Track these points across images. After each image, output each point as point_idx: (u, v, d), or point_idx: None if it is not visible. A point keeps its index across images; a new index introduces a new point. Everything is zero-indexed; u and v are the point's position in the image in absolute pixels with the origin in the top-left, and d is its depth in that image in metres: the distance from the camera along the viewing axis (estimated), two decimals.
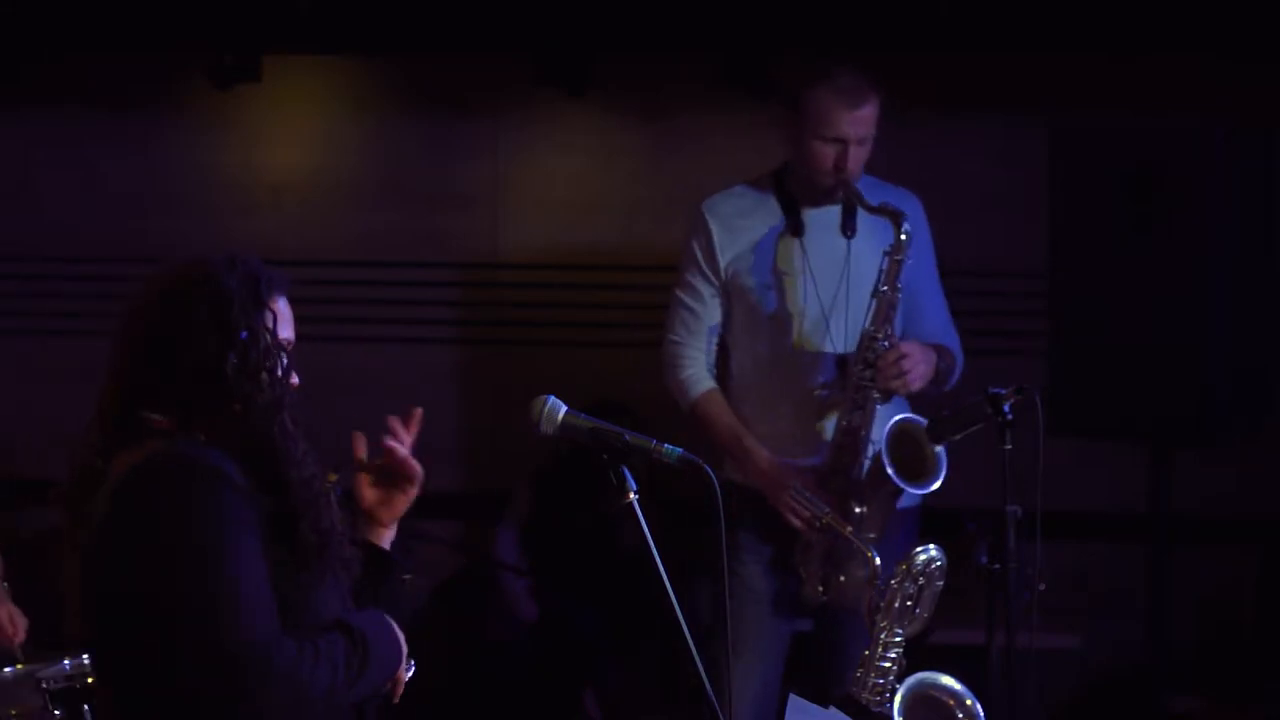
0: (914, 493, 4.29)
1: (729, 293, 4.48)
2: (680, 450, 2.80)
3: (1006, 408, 4.00)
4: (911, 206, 4.49)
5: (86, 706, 3.82)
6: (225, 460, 2.60)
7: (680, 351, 4.53)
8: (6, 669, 4.08)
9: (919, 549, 3.66)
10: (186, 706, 2.56)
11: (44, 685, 3.85)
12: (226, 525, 2.55)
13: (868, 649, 3.67)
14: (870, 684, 3.64)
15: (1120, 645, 5.77)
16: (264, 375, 2.67)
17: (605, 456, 2.77)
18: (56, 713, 3.82)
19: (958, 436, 4.18)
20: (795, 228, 4.43)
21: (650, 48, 6.07)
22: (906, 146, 5.99)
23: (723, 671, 2.90)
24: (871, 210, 4.31)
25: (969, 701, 3.58)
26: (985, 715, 3.58)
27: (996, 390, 4.03)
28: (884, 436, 4.24)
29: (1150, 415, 4.71)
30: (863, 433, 4.31)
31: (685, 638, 2.71)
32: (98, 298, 6.57)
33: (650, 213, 6.28)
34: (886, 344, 4.29)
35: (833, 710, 3.42)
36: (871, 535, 4.21)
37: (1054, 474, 3.98)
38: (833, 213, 4.42)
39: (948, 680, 3.61)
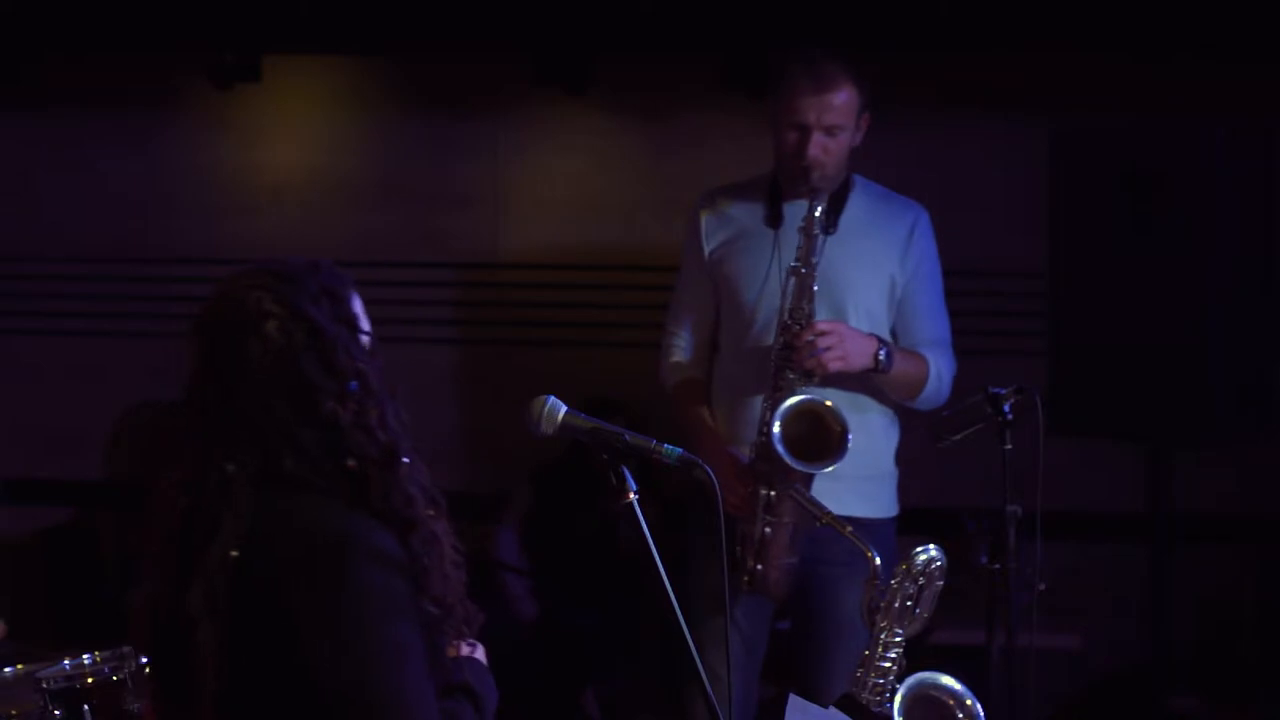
0: (809, 470, 4.11)
1: (714, 277, 4.45)
2: (680, 450, 2.80)
3: (1006, 408, 4.00)
4: (914, 214, 4.43)
5: (86, 706, 3.81)
6: (383, 532, 2.45)
7: (668, 340, 4.54)
8: (6, 669, 4.07)
9: (919, 549, 3.65)
10: None
11: (44, 685, 3.84)
12: (403, 619, 2.43)
13: (868, 649, 3.67)
14: (870, 684, 3.63)
15: (1120, 645, 5.78)
16: (375, 421, 2.51)
17: (605, 456, 2.77)
18: (56, 713, 3.81)
19: (958, 436, 4.16)
20: (773, 220, 4.37)
21: (650, 48, 6.08)
22: (907, 146, 6.01)
23: (722, 672, 2.90)
24: (811, 197, 4.18)
25: (969, 701, 3.57)
26: (985, 715, 3.58)
27: (996, 390, 4.02)
28: (777, 414, 4.11)
29: (1150, 415, 4.72)
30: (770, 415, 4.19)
31: (685, 638, 2.71)
32: (98, 298, 6.58)
33: (650, 213, 6.28)
34: (802, 324, 4.17)
35: (833, 710, 3.41)
36: (786, 520, 4.14)
37: (1054, 474, 3.98)
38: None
39: (948, 680, 3.60)
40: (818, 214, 4.21)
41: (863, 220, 4.37)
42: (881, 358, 4.24)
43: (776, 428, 4.11)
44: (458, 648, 2.65)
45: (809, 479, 4.16)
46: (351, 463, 2.49)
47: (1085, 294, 4.83)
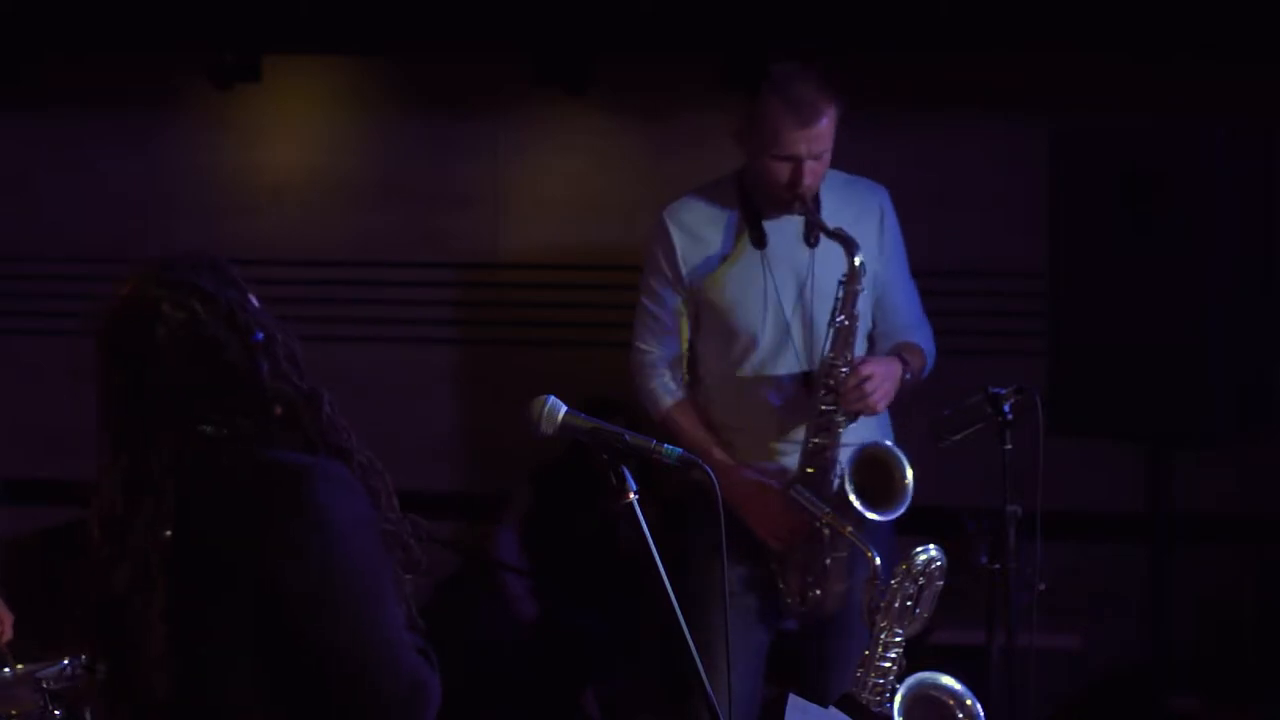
0: (881, 518, 4.17)
1: (695, 302, 4.40)
2: (680, 450, 2.80)
3: (1006, 408, 4.00)
4: (880, 197, 4.42)
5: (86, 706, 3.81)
6: (333, 461, 2.51)
7: (648, 360, 4.45)
8: (6, 669, 4.07)
9: (919, 549, 3.66)
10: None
11: (44, 685, 3.84)
12: (375, 544, 2.49)
13: (868, 649, 3.67)
14: (870, 684, 3.64)
15: (1120, 645, 5.78)
16: (290, 368, 2.57)
17: (605, 456, 2.77)
18: (56, 713, 3.81)
19: (958, 436, 4.17)
20: (758, 239, 4.32)
21: (650, 48, 6.07)
22: (906, 146, 6.01)
23: (723, 671, 2.90)
24: (828, 234, 4.19)
25: (969, 701, 3.58)
26: (985, 715, 3.58)
27: (996, 390, 4.02)
28: (848, 462, 4.17)
29: (1150, 415, 4.72)
30: (829, 453, 4.24)
31: (685, 638, 2.71)
32: (98, 298, 6.58)
33: (650, 213, 6.22)
34: (847, 370, 4.19)
35: (833, 710, 3.42)
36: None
37: (1054, 474, 3.98)
38: (795, 222, 4.32)
39: (948, 680, 3.61)
40: (858, 264, 4.18)
41: (836, 213, 4.32)
42: (907, 377, 4.30)
43: (850, 477, 4.15)
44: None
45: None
46: (279, 409, 2.53)
47: (1085, 294, 4.83)
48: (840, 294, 4.20)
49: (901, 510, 4.16)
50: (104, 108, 6.56)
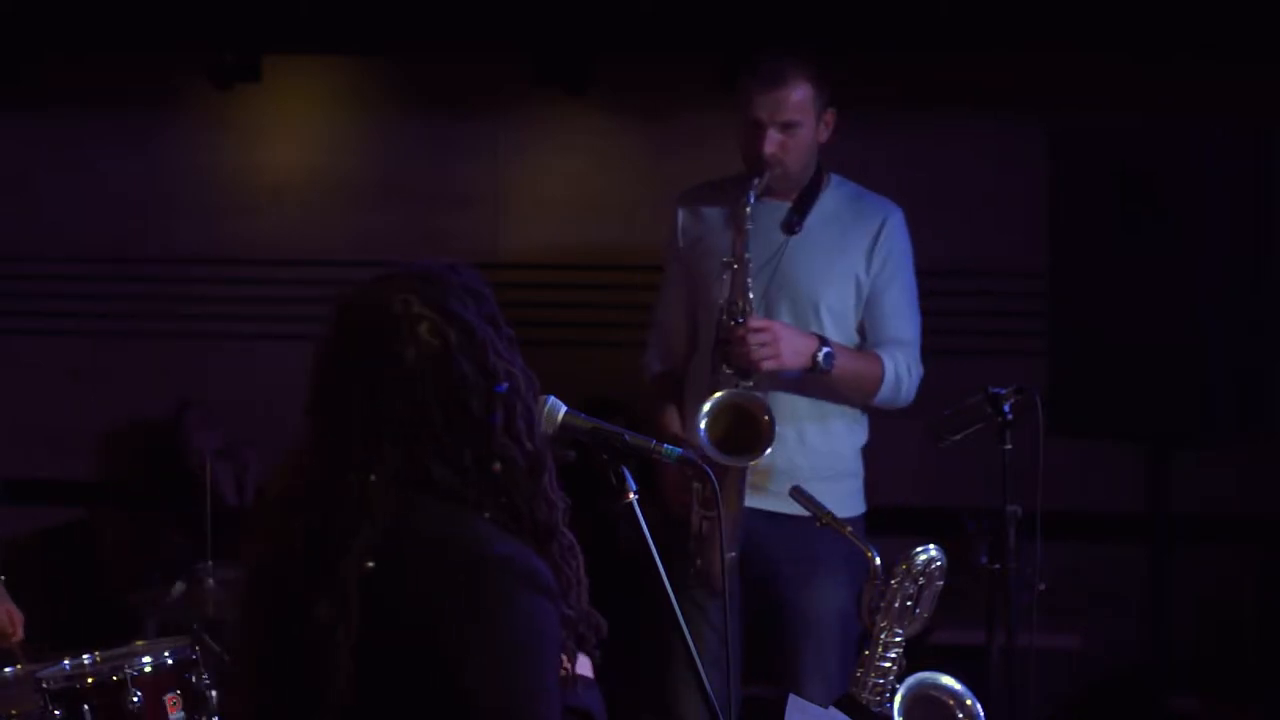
0: (734, 464, 4.08)
1: (689, 275, 4.43)
2: (680, 450, 2.80)
3: (1006, 408, 3.99)
4: (885, 213, 4.40)
5: (86, 706, 3.82)
6: (536, 557, 2.36)
7: (650, 337, 4.54)
8: (6, 669, 4.08)
9: (919, 549, 3.65)
10: None
11: (44, 685, 3.84)
12: (553, 647, 2.38)
13: (868, 649, 3.67)
14: (870, 684, 3.63)
15: (1120, 645, 5.78)
16: (523, 426, 2.41)
17: (605, 456, 2.77)
18: (56, 713, 3.81)
19: (958, 436, 4.16)
20: (742, 219, 4.30)
21: (650, 48, 6.08)
22: (905, 146, 6.02)
23: (722, 671, 2.90)
24: (741, 207, 4.16)
25: (969, 701, 3.57)
26: (985, 715, 3.58)
27: (996, 390, 4.02)
28: (705, 409, 4.10)
29: (1150, 415, 4.71)
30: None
31: (685, 637, 2.71)
32: (98, 298, 6.58)
33: (650, 213, 6.27)
34: (737, 320, 4.15)
35: (832, 710, 3.41)
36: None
37: (1054, 474, 3.98)
38: (781, 209, 4.33)
39: (948, 680, 3.60)
40: (748, 210, 4.17)
41: (830, 219, 4.34)
42: (820, 359, 4.20)
43: (703, 421, 4.08)
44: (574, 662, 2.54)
45: (739, 472, 4.13)
46: (497, 466, 2.38)
47: (1085, 294, 4.82)
48: (732, 235, 4.20)
49: (765, 451, 4.07)
50: (104, 108, 6.56)
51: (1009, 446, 3.99)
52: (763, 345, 4.12)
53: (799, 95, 4.24)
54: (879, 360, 4.33)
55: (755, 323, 4.14)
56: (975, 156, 6.06)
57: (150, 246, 6.57)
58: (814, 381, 4.28)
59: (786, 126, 4.24)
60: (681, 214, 4.46)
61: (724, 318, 4.18)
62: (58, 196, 6.60)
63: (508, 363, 2.44)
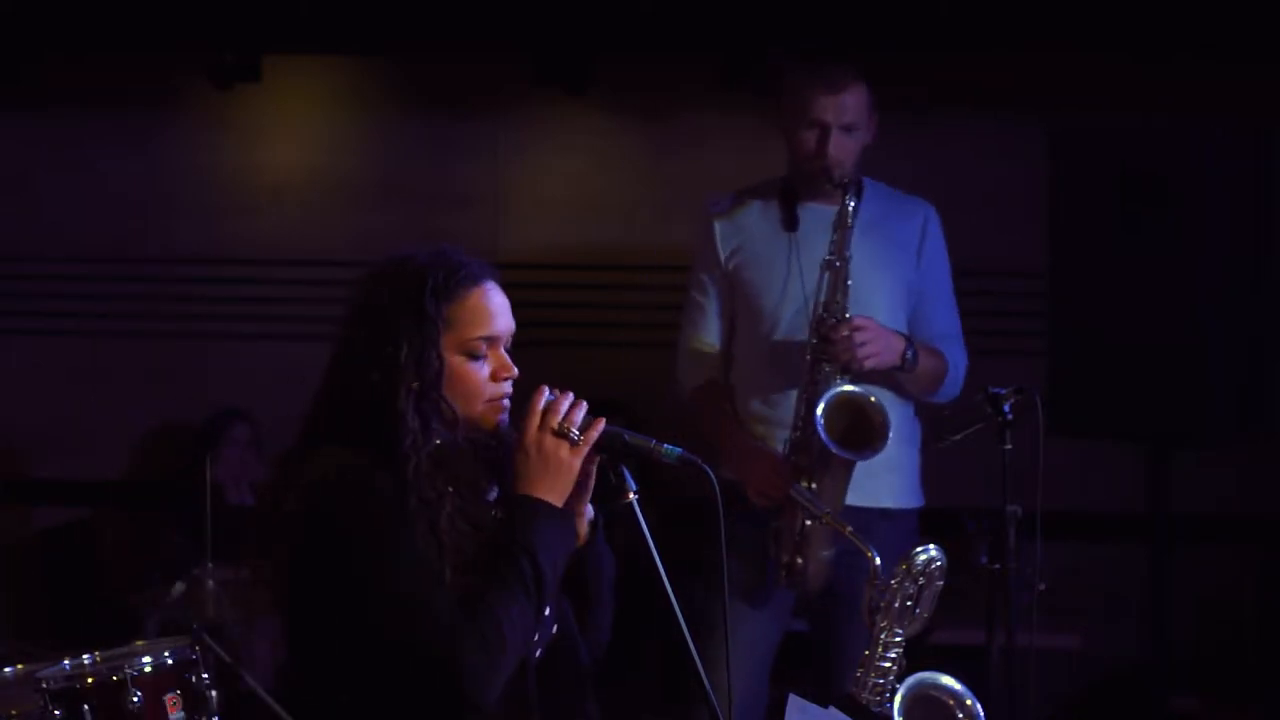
0: (855, 459, 4.16)
1: (731, 285, 4.46)
2: (680, 450, 2.79)
3: (1006, 408, 4.00)
4: (925, 211, 4.48)
5: (86, 706, 3.81)
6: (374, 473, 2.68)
7: (688, 345, 4.53)
8: (6, 669, 4.07)
9: (919, 549, 3.65)
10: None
11: (44, 685, 3.84)
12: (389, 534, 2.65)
13: (868, 649, 3.67)
14: (870, 684, 3.63)
15: (1120, 645, 5.78)
16: (403, 388, 2.71)
17: (605, 456, 2.77)
18: (56, 713, 3.81)
19: (958, 436, 4.17)
20: (789, 223, 4.39)
21: (650, 48, 6.08)
22: (905, 146, 6.01)
23: (722, 672, 2.90)
24: (843, 191, 4.22)
25: (969, 701, 3.57)
26: (985, 715, 3.58)
27: (996, 390, 4.02)
28: (820, 405, 4.15)
29: (1150, 415, 4.71)
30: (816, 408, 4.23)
31: (685, 638, 2.71)
32: (98, 298, 6.58)
33: (650, 213, 6.28)
34: (837, 318, 4.21)
35: (833, 710, 3.41)
36: (827, 511, 4.13)
37: (1054, 474, 3.98)
38: (829, 211, 4.35)
39: (948, 680, 3.60)
40: (850, 207, 4.23)
41: (876, 222, 4.39)
42: (909, 356, 4.28)
43: (820, 417, 4.14)
44: None
45: (847, 469, 4.19)
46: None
47: (1085, 294, 4.82)
48: (834, 235, 4.23)
49: (880, 449, 4.14)
50: (104, 108, 6.56)
51: (1009, 446, 3.99)
52: (865, 344, 4.17)
53: (857, 97, 4.31)
54: (944, 356, 4.43)
55: (859, 320, 4.19)
56: (975, 156, 6.06)
57: (150, 246, 6.57)
58: (880, 376, 4.32)
59: (848, 128, 4.29)
60: (719, 226, 4.46)
61: (824, 315, 4.21)
62: (58, 196, 6.60)
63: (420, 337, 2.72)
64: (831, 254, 4.24)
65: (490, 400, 2.77)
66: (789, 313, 4.37)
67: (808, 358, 4.23)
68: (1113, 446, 5.15)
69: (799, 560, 4.25)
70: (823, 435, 4.13)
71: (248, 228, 6.51)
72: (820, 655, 4.41)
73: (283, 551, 2.69)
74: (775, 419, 4.37)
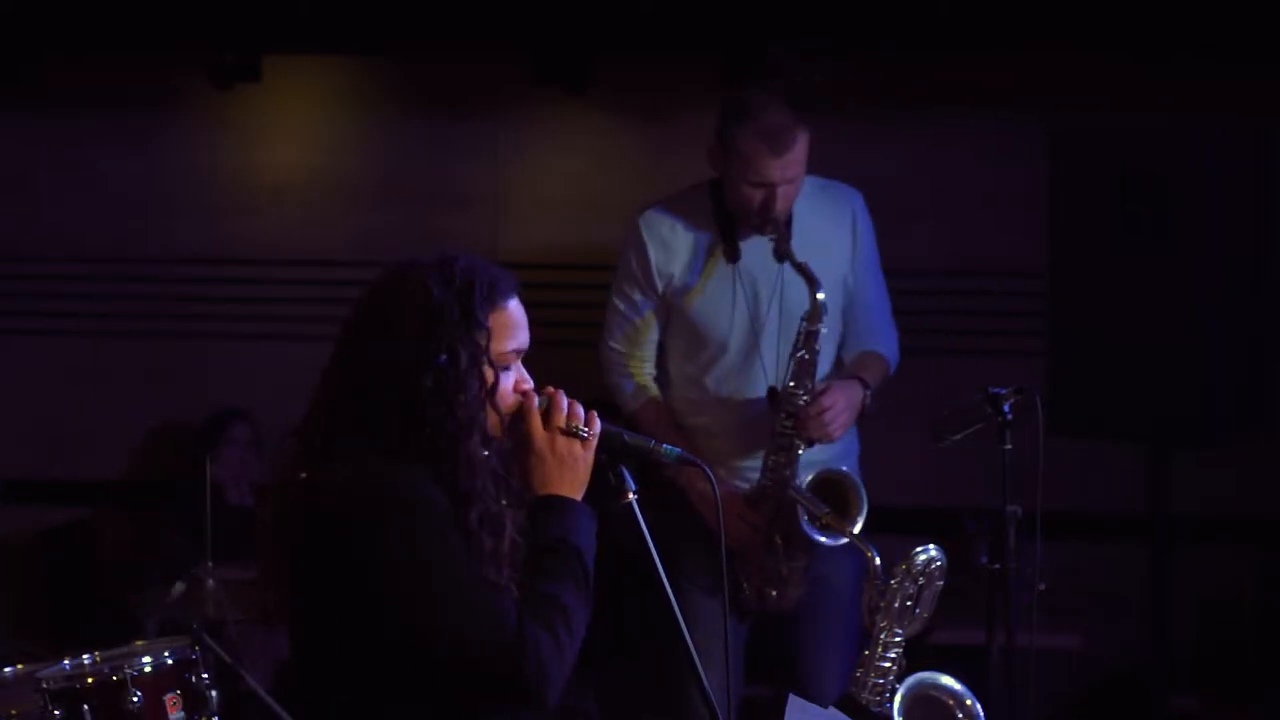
0: (831, 544, 4.22)
1: (667, 308, 4.45)
2: (679, 450, 2.80)
3: (1006, 408, 4.00)
4: (852, 202, 4.47)
5: (86, 706, 3.82)
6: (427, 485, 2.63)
7: (621, 361, 4.52)
8: (6, 669, 4.08)
9: (919, 549, 3.65)
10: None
11: (44, 685, 3.84)
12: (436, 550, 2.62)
13: (868, 649, 3.67)
14: (870, 684, 3.64)
15: (1120, 645, 5.78)
16: (459, 399, 2.65)
17: (604, 456, 2.77)
18: (56, 713, 3.81)
19: (958, 436, 4.16)
20: (730, 253, 4.36)
21: (650, 48, 6.07)
22: (905, 146, 6.01)
23: (722, 671, 2.91)
24: (795, 266, 4.22)
25: (969, 701, 3.58)
26: (985, 715, 3.58)
27: (996, 390, 4.02)
28: (804, 488, 4.25)
29: (1150, 415, 4.71)
30: (787, 472, 4.29)
31: (685, 638, 2.71)
32: (98, 298, 6.58)
33: None
34: (808, 398, 4.24)
35: (832, 710, 3.41)
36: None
37: (1054, 474, 3.98)
38: (765, 241, 4.33)
39: (948, 680, 3.61)
40: (820, 298, 4.23)
41: (809, 222, 4.37)
42: (868, 402, 4.34)
43: (805, 503, 4.21)
44: None
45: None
46: (427, 430, 2.64)
47: (1085, 294, 4.82)
48: (802, 330, 4.25)
49: (846, 538, 4.14)
50: (104, 108, 6.56)
51: (1009, 446, 3.99)
52: (833, 420, 4.23)
53: (800, 149, 4.26)
54: (883, 359, 4.47)
55: (827, 400, 4.24)
56: (975, 156, 6.06)
57: (150, 246, 6.57)
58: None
59: (792, 181, 4.27)
60: (652, 247, 4.43)
61: (794, 394, 4.25)
62: (58, 196, 6.60)
63: (458, 339, 2.68)
64: (802, 350, 4.25)
65: (508, 412, 2.76)
66: (735, 350, 4.39)
67: (779, 431, 4.27)
68: (1113, 446, 5.15)
69: (773, 593, 4.30)
70: (806, 528, 4.21)
71: (248, 228, 6.51)
72: (799, 661, 4.40)
73: (307, 554, 2.63)
74: (705, 446, 4.37)
